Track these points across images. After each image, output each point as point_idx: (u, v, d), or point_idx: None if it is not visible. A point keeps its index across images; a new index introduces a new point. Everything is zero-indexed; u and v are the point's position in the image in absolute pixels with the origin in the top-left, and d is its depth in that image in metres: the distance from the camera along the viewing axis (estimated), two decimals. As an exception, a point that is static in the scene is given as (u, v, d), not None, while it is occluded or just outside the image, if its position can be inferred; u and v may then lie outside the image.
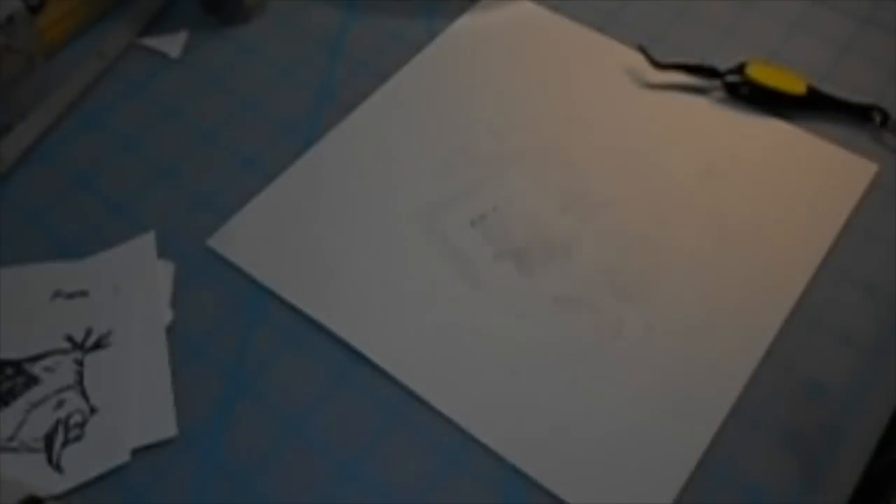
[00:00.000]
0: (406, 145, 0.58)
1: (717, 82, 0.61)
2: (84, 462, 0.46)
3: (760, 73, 0.60)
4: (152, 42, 0.65)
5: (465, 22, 0.65)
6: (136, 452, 0.46)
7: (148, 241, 0.54)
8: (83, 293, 0.52)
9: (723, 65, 0.61)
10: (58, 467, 0.45)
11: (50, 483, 0.45)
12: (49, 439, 0.46)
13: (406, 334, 0.50)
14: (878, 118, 0.59)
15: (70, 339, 0.50)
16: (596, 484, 0.45)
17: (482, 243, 0.53)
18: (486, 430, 0.46)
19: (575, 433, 0.46)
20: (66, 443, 0.46)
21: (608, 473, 0.45)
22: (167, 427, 0.47)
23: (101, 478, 0.45)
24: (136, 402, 0.47)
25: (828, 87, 0.60)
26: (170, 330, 0.50)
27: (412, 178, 0.56)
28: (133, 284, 0.52)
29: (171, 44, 0.65)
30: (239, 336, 0.50)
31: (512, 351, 0.49)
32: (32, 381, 0.48)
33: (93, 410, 0.47)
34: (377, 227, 0.54)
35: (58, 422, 0.47)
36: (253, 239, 0.53)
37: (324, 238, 0.54)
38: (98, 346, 0.50)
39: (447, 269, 0.52)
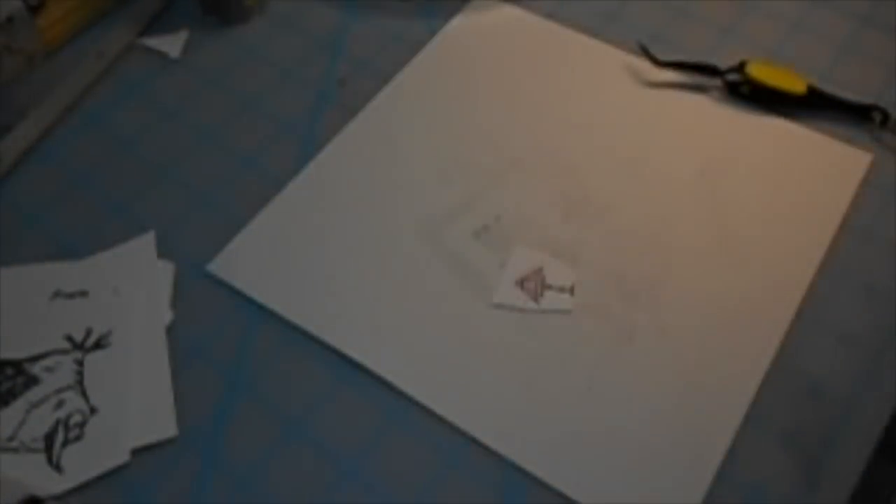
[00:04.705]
0: (404, 157, 0.57)
1: (717, 81, 0.61)
2: (84, 462, 0.46)
3: (761, 72, 0.60)
4: (152, 42, 0.65)
5: (460, 23, 0.65)
6: (136, 452, 0.46)
7: (148, 241, 0.54)
8: (83, 293, 0.52)
9: (723, 64, 0.61)
10: (58, 467, 0.45)
11: (50, 483, 0.45)
12: (49, 439, 0.46)
13: (413, 346, 0.49)
14: (877, 118, 0.59)
15: (70, 339, 0.50)
16: (615, 489, 0.44)
17: (488, 254, 0.53)
18: (497, 436, 0.46)
19: (590, 439, 0.46)
20: (66, 443, 0.46)
21: (625, 480, 0.45)
22: (167, 427, 0.47)
23: (101, 478, 0.45)
24: (136, 402, 0.47)
25: (828, 87, 0.60)
26: (170, 330, 0.50)
27: (412, 191, 0.56)
28: (133, 284, 0.52)
29: (171, 44, 0.65)
30: (239, 336, 0.50)
31: (522, 359, 0.49)
32: (32, 381, 0.48)
33: (93, 410, 0.47)
34: (379, 242, 0.54)
35: (58, 422, 0.47)
36: (252, 262, 0.53)
37: (324, 255, 0.53)
38: (98, 346, 0.50)
39: (454, 282, 0.52)
